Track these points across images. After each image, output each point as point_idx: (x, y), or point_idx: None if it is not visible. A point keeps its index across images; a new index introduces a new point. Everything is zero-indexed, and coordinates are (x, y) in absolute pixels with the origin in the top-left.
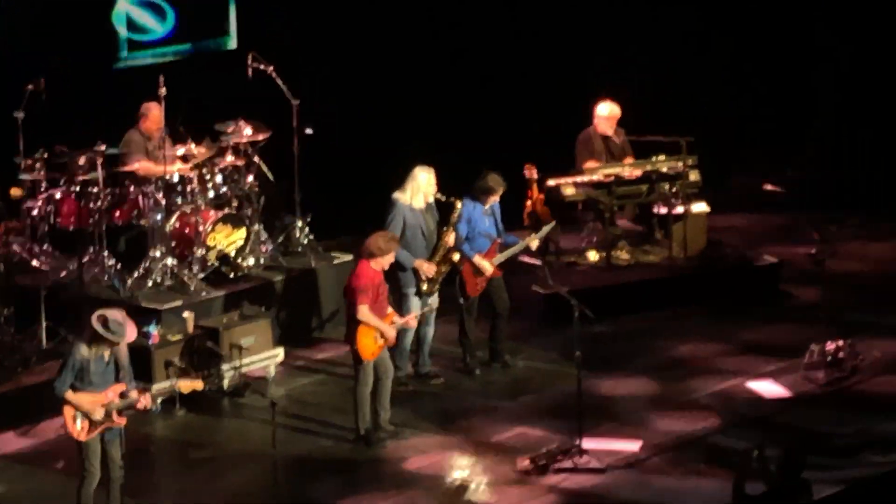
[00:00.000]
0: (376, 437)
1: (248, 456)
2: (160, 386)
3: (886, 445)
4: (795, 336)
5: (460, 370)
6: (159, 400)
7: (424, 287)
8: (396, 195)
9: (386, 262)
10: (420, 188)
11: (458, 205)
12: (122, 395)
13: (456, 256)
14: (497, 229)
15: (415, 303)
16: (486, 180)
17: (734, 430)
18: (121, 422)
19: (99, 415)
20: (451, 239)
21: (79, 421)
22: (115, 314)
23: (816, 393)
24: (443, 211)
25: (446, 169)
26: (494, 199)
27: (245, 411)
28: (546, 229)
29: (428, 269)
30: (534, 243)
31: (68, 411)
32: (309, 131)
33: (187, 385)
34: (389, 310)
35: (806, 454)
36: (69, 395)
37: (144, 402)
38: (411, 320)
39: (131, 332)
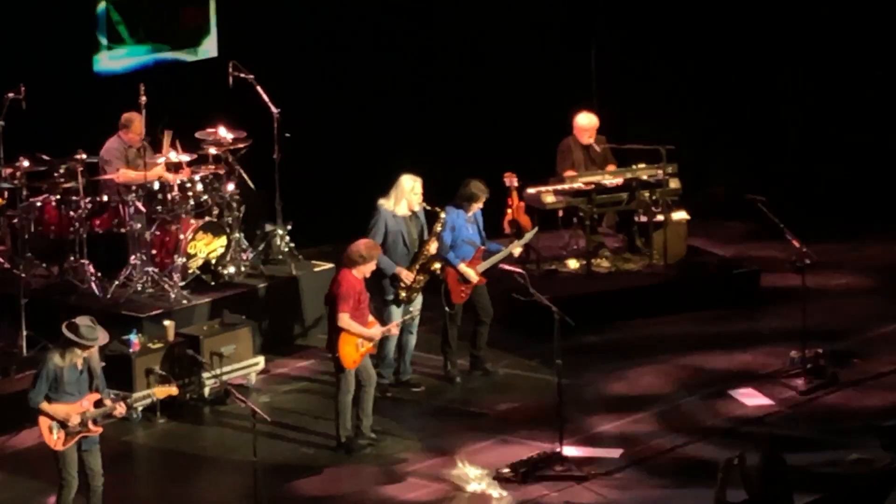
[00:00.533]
0: (357, 445)
1: (229, 464)
2: (138, 395)
3: (866, 451)
4: (775, 343)
5: (441, 378)
6: (140, 408)
7: (402, 294)
8: (381, 201)
9: (367, 270)
10: (403, 195)
11: (442, 215)
12: (97, 404)
13: (437, 266)
14: (480, 237)
15: (395, 310)
16: (469, 187)
17: (715, 437)
18: (97, 431)
19: (75, 424)
20: (433, 248)
21: (55, 431)
22: (85, 320)
23: (797, 400)
24: (430, 220)
25: (428, 177)
26: (478, 207)
27: (226, 419)
28: (529, 236)
29: (406, 276)
30: (517, 250)
31: (44, 422)
32: (287, 135)
33: (163, 391)
34: (371, 318)
35: (786, 462)
36: (44, 405)
37: (120, 409)
38: (393, 328)
39: (102, 337)
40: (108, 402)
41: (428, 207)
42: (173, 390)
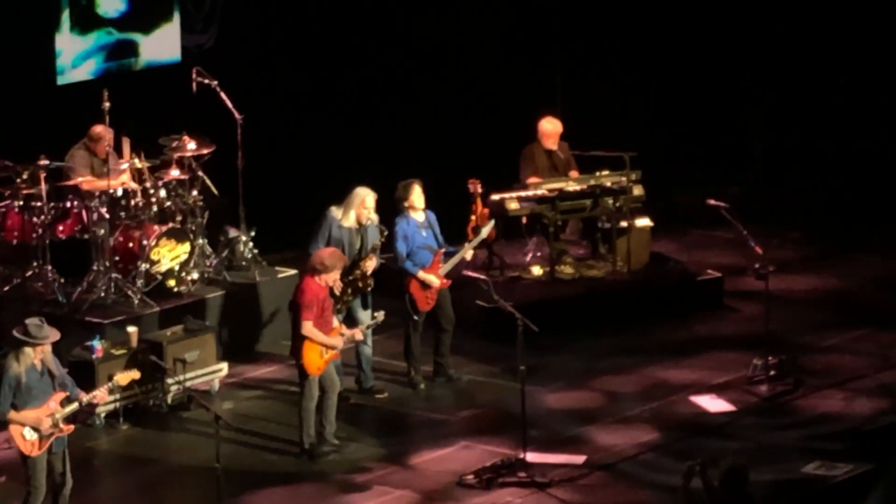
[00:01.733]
0: (321, 452)
1: (191, 470)
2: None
3: (828, 458)
4: (738, 350)
5: (405, 384)
6: (103, 414)
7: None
8: (331, 208)
9: (330, 278)
10: (353, 206)
11: (385, 232)
12: (63, 403)
13: (370, 283)
14: (437, 241)
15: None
16: (398, 190)
17: (678, 443)
18: (69, 429)
19: (46, 426)
20: (369, 266)
21: (28, 436)
22: (33, 319)
23: (759, 406)
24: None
25: (391, 183)
26: (419, 204)
27: (189, 426)
28: (485, 230)
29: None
30: (471, 252)
31: (15, 429)
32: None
33: (125, 377)
34: (336, 323)
35: (747, 468)
36: (12, 414)
37: (101, 395)
38: (357, 334)
39: (52, 334)
40: (82, 396)
41: (376, 223)
42: (135, 374)
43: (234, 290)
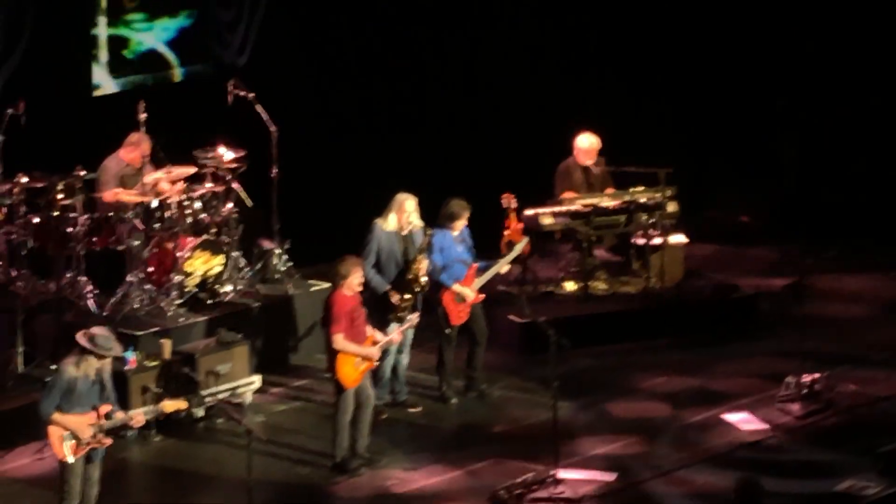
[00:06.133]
0: (352, 465)
1: (223, 482)
2: (148, 409)
3: (859, 478)
4: (772, 368)
5: (437, 398)
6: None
7: (391, 315)
8: (376, 220)
9: (354, 283)
10: (392, 210)
11: (429, 231)
12: (108, 416)
13: (422, 282)
14: (471, 255)
15: (392, 325)
16: (450, 206)
17: (710, 462)
18: (107, 442)
19: (87, 435)
20: (423, 266)
21: (66, 441)
22: (101, 330)
23: (792, 425)
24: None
25: (426, 198)
26: (462, 224)
27: (221, 437)
28: (519, 247)
29: (392, 297)
30: (506, 266)
31: (55, 432)
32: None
33: (171, 405)
34: (370, 332)
35: (762, 487)
36: (56, 416)
37: (138, 419)
38: (394, 338)
39: (117, 348)
40: (119, 415)
41: (429, 231)
42: (182, 405)
43: (267, 302)
